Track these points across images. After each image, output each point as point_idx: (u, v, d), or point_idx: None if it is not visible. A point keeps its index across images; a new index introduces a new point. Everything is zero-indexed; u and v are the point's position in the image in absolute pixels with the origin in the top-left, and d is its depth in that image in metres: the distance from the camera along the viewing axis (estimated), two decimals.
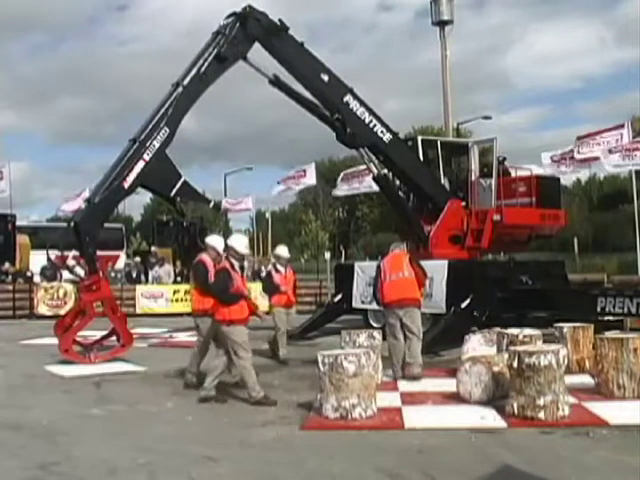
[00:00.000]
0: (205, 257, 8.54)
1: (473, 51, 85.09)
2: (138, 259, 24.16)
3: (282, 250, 11.18)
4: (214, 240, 8.83)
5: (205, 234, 26.68)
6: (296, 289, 11.50)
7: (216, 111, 69.75)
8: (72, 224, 10.54)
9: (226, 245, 8.00)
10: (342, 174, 22.17)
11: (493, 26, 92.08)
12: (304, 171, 22.63)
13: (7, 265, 20.87)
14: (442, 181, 13.49)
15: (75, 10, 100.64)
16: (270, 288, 10.78)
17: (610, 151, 16.86)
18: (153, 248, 24.77)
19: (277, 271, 10.82)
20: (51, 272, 20.29)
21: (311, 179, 22.23)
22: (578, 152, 17.30)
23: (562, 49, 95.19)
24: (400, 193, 13.41)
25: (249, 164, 47.20)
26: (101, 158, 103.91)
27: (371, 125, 12.46)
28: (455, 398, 7.17)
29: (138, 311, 19.25)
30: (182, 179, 11.14)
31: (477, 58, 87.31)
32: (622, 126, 17.92)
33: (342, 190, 22.12)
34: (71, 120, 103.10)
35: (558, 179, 15.69)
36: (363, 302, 13.14)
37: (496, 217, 12.99)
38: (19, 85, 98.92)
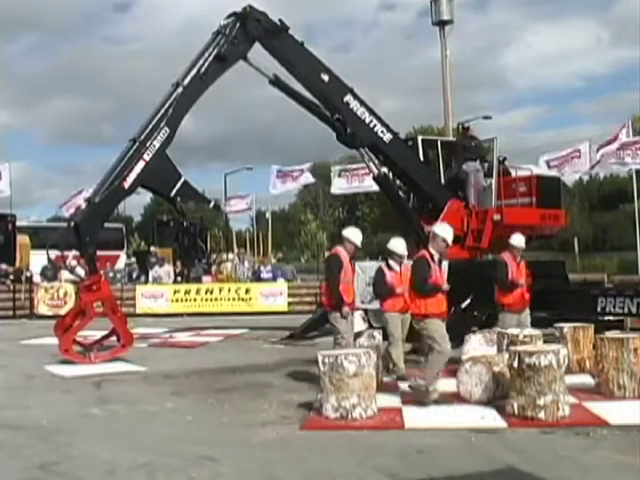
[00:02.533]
0: (340, 250, 8.25)
1: (472, 51, 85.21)
2: (133, 259, 24.17)
3: (398, 245, 9.06)
4: (353, 233, 8.32)
5: (205, 234, 26.87)
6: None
7: (212, 111, 69.82)
8: (72, 224, 10.55)
9: (433, 234, 7.42)
10: (338, 169, 22.14)
11: (492, 26, 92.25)
12: (301, 170, 22.78)
13: (5, 265, 20.83)
14: (442, 181, 13.49)
15: (72, 10, 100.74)
16: (382, 289, 9.02)
17: (613, 150, 16.97)
18: (152, 248, 24.78)
19: (390, 268, 8.98)
20: (52, 272, 20.25)
21: (308, 177, 22.50)
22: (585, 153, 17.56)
23: (560, 49, 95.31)
24: (400, 193, 13.40)
25: (246, 164, 47.07)
26: (99, 158, 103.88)
27: (371, 125, 12.45)
28: (455, 398, 7.18)
29: (138, 311, 19.24)
30: (182, 179, 11.16)
31: (476, 58, 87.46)
32: (622, 125, 17.99)
33: (341, 188, 22.13)
34: (68, 120, 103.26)
35: (558, 179, 15.69)
36: (363, 302, 13.11)
37: (496, 217, 12.98)
38: (16, 85, 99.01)
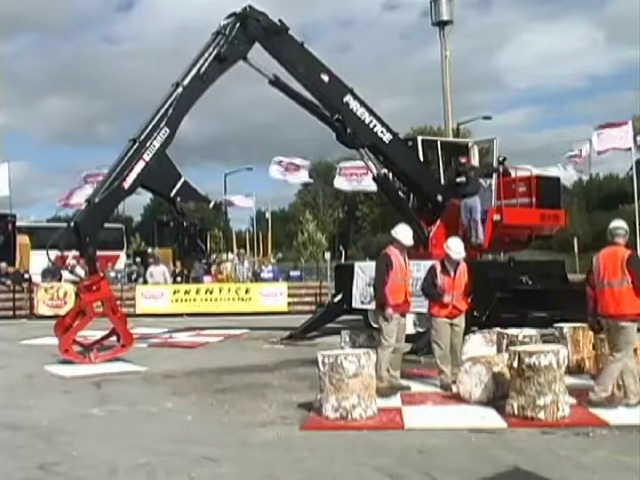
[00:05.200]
0: (392, 249, 7.92)
1: (472, 50, 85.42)
2: (137, 259, 24.25)
3: (455, 247, 8.24)
4: (397, 232, 7.96)
5: (205, 234, 26.91)
6: (467, 291, 8.37)
7: (209, 110, 69.84)
8: (72, 224, 10.55)
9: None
10: (340, 167, 22.09)
11: (492, 26, 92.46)
12: (298, 166, 22.67)
13: (3, 265, 20.80)
14: (442, 181, 13.48)
15: (70, 10, 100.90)
16: (430, 291, 8.20)
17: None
18: (149, 250, 24.86)
19: (444, 271, 8.16)
20: (53, 272, 20.19)
21: (304, 176, 22.43)
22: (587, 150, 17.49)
23: (560, 49, 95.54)
24: (400, 193, 13.41)
25: (243, 164, 47.16)
26: (98, 158, 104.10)
27: (371, 125, 12.46)
28: (455, 398, 7.18)
29: (138, 311, 19.23)
30: (182, 179, 11.17)
31: (475, 57, 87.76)
32: (626, 123, 18.03)
33: (342, 185, 22.08)
34: (67, 120, 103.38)
35: (558, 179, 15.68)
36: (363, 302, 13.12)
37: (496, 217, 12.98)
38: (14, 85, 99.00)
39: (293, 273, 23.92)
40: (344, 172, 21.69)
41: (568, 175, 18.36)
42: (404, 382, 7.98)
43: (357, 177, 20.81)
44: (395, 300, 7.79)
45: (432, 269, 8.33)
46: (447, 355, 8.04)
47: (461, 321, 8.29)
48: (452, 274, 8.17)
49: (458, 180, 12.81)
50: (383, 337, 7.80)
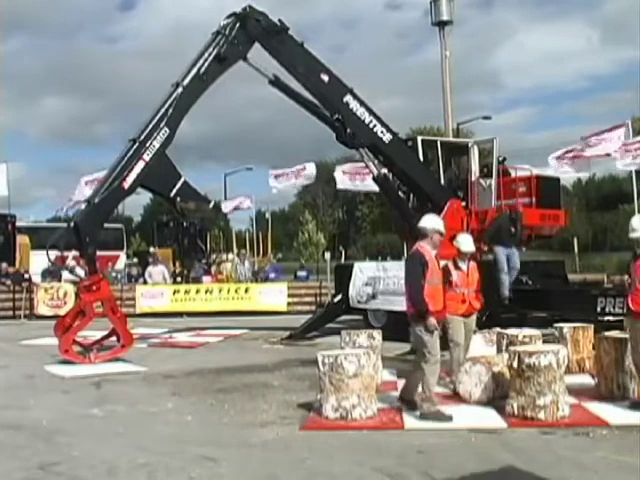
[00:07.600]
0: (424, 246, 6.75)
1: (471, 50, 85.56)
2: (135, 260, 24.27)
3: (465, 241, 8.25)
4: (430, 220, 6.92)
5: (205, 234, 26.87)
6: (479, 289, 8.30)
7: (206, 111, 69.85)
8: (72, 224, 10.55)
9: None
10: (341, 169, 22.09)
11: (491, 25, 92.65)
12: (304, 167, 22.66)
13: (4, 265, 20.77)
14: (442, 181, 13.48)
15: (70, 10, 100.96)
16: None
17: (623, 149, 16.91)
18: (152, 249, 24.84)
19: (457, 267, 8.08)
20: (54, 273, 20.13)
21: (311, 175, 22.38)
22: (582, 150, 17.36)
23: (558, 49, 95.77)
24: (400, 193, 13.40)
25: (239, 164, 47.19)
26: (96, 158, 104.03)
27: (371, 125, 12.45)
28: (455, 398, 7.18)
29: (138, 311, 19.21)
30: (182, 179, 11.18)
31: (474, 57, 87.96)
32: (623, 125, 17.97)
33: (344, 184, 22.05)
34: (65, 120, 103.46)
35: (558, 179, 15.69)
36: (359, 302, 13.15)
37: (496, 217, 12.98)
38: (13, 84, 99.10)
39: (300, 273, 24.31)
40: (346, 172, 21.67)
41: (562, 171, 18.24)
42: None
43: (360, 176, 20.78)
44: (435, 306, 6.62)
45: (445, 268, 7.97)
46: (458, 357, 7.86)
47: (473, 321, 8.24)
48: (465, 269, 8.13)
49: (512, 230, 12.51)
50: (427, 351, 6.52)
